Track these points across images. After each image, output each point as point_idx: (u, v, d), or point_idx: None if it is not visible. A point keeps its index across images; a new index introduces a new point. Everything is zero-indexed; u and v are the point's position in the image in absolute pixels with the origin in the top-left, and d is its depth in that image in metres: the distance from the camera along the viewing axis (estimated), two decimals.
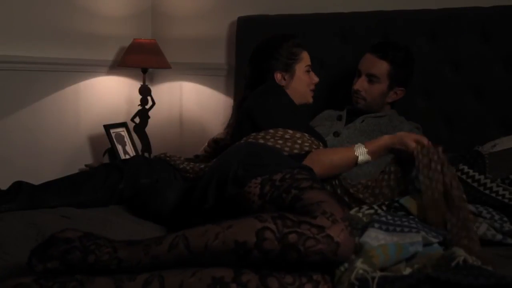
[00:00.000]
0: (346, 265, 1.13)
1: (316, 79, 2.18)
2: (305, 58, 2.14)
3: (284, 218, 1.12)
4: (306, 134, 1.85)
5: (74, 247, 1.13)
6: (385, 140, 1.75)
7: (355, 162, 1.74)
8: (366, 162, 1.75)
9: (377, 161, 1.84)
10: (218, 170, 1.54)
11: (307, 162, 1.71)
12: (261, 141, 1.80)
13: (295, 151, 1.78)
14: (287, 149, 1.78)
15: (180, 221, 1.55)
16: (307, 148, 1.79)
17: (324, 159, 1.74)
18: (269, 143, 1.78)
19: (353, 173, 1.90)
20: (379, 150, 1.74)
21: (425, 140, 1.68)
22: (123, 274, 1.11)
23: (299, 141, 1.81)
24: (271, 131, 1.84)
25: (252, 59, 2.19)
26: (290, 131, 1.83)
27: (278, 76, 2.10)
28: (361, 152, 1.73)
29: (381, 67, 2.18)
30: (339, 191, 1.76)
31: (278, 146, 1.77)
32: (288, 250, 1.08)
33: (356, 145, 1.75)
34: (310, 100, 2.19)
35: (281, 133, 1.83)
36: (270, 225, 1.11)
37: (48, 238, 1.16)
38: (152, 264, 1.13)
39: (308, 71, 2.16)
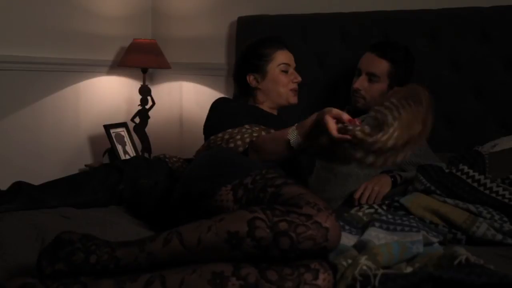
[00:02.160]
0: (349, 261, 1.13)
1: (297, 78, 2.08)
2: (279, 58, 2.06)
3: (273, 209, 1.15)
4: (245, 126, 1.80)
5: (77, 249, 1.15)
6: (311, 118, 1.54)
7: (289, 145, 1.56)
8: (299, 145, 1.56)
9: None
10: (184, 187, 1.57)
11: (250, 153, 1.67)
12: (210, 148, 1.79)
13: (240, 149, 1.71)
14: (234, 149, 1.73)
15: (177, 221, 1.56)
16: (248, 140, 1.72)
17: (263, 147, 1.65)
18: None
19: (354, 173, 1.90)
20: (304, 126, 1.54)
21: (344, 116, 1.47)
22: (125, 275, 1.12)
23: (238, 137, 1.75)
24: (212, 137, 1.83)
25: (234, 65, 2.20)
26: (229, 130, 1.81)
27: (250, 78, 2.08)
28: (292, 134, 1.56)
29: (381, 66, 2.18)
30: None
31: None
32: (280, 237, 1.11)
33: (291, 128, 1.58)
34: (291, 100, 2.09)
35: (221, 135, 1.81)
36: (260, 215, 1.14)
37: (54, 240, 1.18)
38: (148, 260, 1.14)
39: (285, 71, 2.07)
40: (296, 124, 1.59)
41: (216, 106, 2.04)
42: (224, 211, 1.39)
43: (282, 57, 2.08)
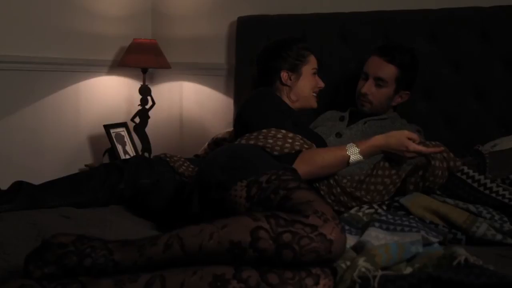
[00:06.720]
0: (348, 263, 1.13)
1: (321, 84, 2.17)
2: (312, 61, 2.15)
3: (277, 218, 1.14)
4: (299, 135, 1.84)
5: (69, 252, 1.13)
6: (378, 140, 1.75)
7: (347, 162, 1.75)
8: (358, 162, 1.76)
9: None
10: (200, 176, 1.57)
11: (298, 161, 1.73)
12: (252, 141, 1.79)
13: (285, 150, 1.76)
14: (277, 148, 1.77)
15: (177, 221, 1.56)
16: (297, 148, 1.78)
17: (316, 159, 1.75)
18: (260, 143, 1.78)
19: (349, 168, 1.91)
20: (371, 150, 1.75)
21: (415, 136, 1.74)
22: (125, 275, 1.11)
23: (289, 140, 1.79)
24: (264, 130, 1.83)
25: (259, 58, 2.20)
26: (283, 131, 1.83)
27: (284, 75, 2.11)
28: (353, 152, 1.74)
29: (389, 71, 2.16)
30: (335, 190, 1.76)
31: (268, 145, 1.77)
32: (283, 249, 1.10)
33: (348, 145, 1.76)
34: (314, 104, 2.18)
35: (274, 132, 1.82)
36: (263, 224, 1.12)
37: (41, 244, 1.16)
38: (148, 264, 1.13)
39: (314, 74, 2.16)
40: (352, 143, 1.75)
41: (264, 100, 2.02)
42: (235, 207, 1.41)
43: (314, 62, 2.16)
